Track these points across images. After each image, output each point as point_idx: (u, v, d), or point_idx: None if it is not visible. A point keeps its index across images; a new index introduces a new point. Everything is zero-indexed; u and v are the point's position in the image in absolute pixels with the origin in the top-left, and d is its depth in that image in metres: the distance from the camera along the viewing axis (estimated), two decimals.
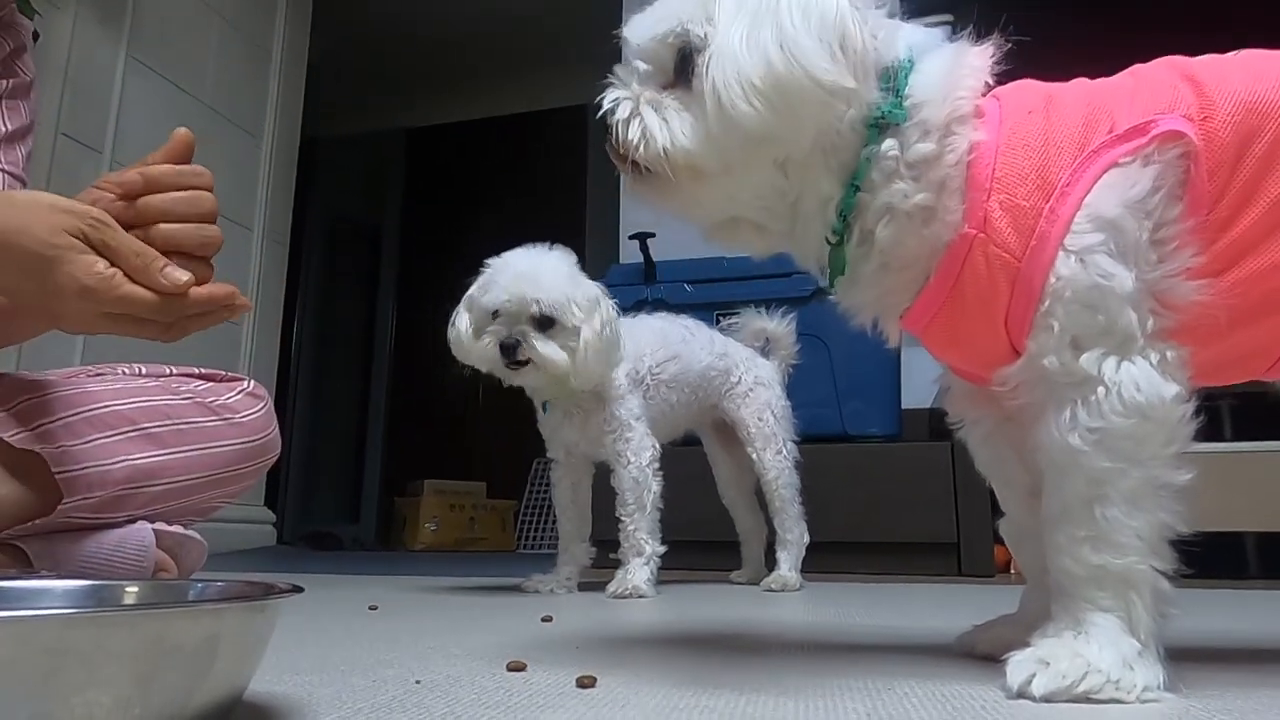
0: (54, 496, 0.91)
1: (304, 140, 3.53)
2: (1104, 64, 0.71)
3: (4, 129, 1.03)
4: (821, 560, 1.85)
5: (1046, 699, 0.57)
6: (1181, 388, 0.61)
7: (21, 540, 0.93)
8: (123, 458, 0.96)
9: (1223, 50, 0.69)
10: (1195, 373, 0.63)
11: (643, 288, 2.40)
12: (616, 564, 1.50)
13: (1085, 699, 0.57)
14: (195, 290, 0.74)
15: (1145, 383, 0.60)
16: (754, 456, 1.70)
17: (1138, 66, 0.70)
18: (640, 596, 1.42)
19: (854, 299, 0.71)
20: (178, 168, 0.79)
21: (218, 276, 0.78)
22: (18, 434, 0.89)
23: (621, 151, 0.69)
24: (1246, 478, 1.95)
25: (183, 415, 1.03)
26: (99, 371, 1.05)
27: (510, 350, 1.39)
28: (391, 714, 0.53)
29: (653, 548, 1.48)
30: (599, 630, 0.99)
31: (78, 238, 0.70)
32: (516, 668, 0.68)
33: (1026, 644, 0.62)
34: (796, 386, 1.84)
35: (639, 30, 0.70)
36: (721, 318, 2.11)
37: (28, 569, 0.93)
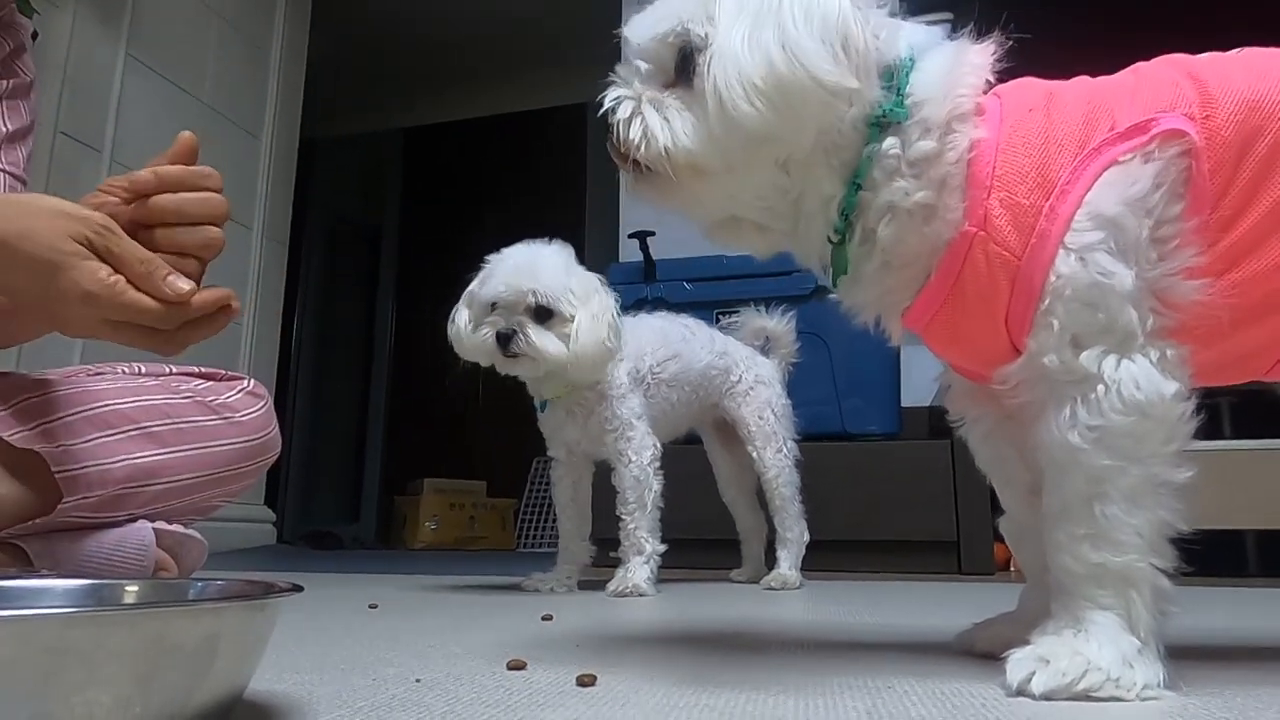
0: (54, 495, 0.91)
1: (303, 140, 3.53)
2: (1105, 62, 0.71)
3: (4, 129, 1.03)
4: (821, 558, 1.85)
5: (1046, 697, 0.57)
6: (1181, 385, 0.61)
7: (21, 539, 0.93)
8: (123, 457, 0.96)
9: (1225, 48, 0.69)
10: (1196, 373, 0.62)
11: (642, 286, 2.40)
12: (616, 562, 1.50)
13: (1085, 697, 0.57)
14: (195, 297, 0.74)
15: (1145, 380, 0.60)
16: (754, 455, 1.70)
17: (1140, 64, 0.70)
18: (640, 595, 1.42)
19: (856, 298, 0.71)
20: (190, 168, 0.80)
21: (218, 277, 0.78)
22: (18, 433, 0.89)
23: (623, 151, 0.69)
24: (1246, 475, 1.95)
25: (183, 414, 1.03)
26: (99, 370, 1.05)
27: (506, 340, 1.39)
28: (392, 713, 0.53)
29: (653, 546, 1.48)
30: (599, 629, 1.00)
31: (82, 244, 0.70)
32: (517, 666, 0.68)
33: (1026, 642, 0.62)
34: (796, 385, 1.84)
35: (639, 30, 0.70)
36: (721, 316, 2.11)
37: (28, 568, 0.93)
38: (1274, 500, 1.96)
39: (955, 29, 0.69)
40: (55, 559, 0.94)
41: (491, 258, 1.46)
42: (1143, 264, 0.62)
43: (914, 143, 0.65)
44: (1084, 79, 0.70)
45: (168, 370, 1.09)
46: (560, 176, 4.75)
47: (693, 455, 1.84)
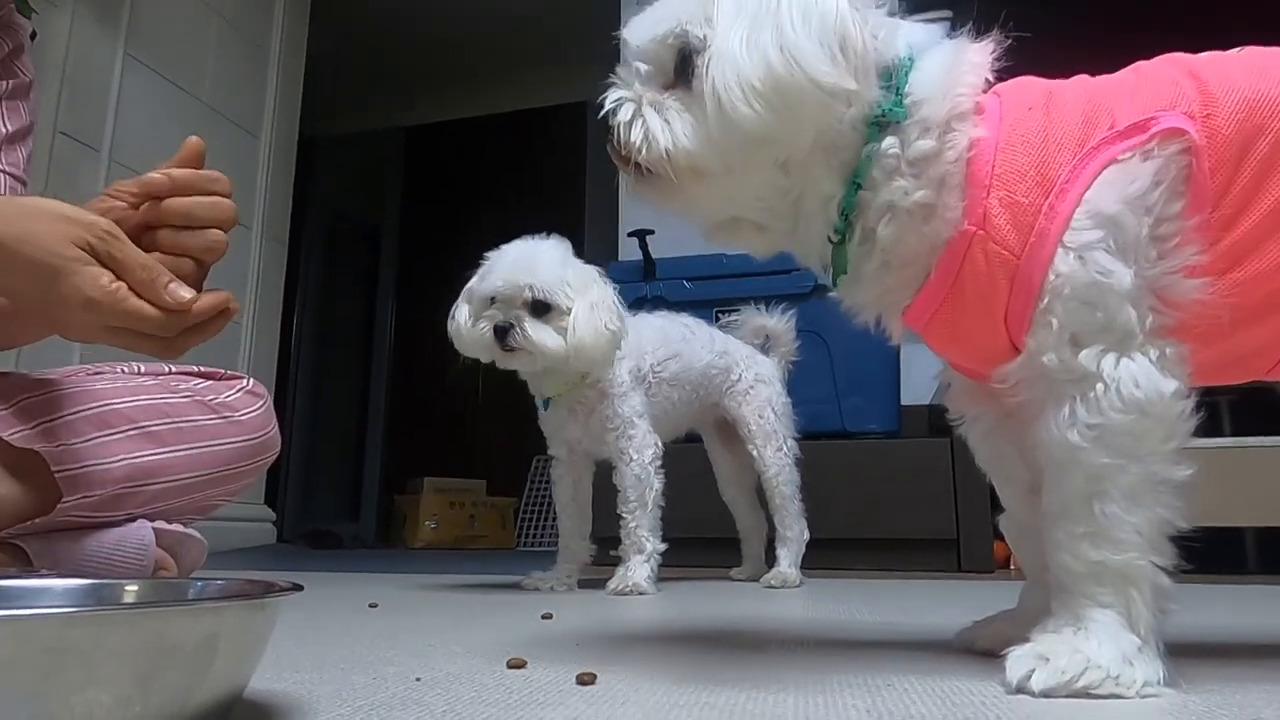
0: (54, 495, 0.91)
1: (303, 138, 3.53)
2: (1105, 61, 0.71)
3: (4, 130, 1.03)
4: (821, 557, 1.85)
5: (1046, 694, 0.57)
6: (1180, 383, 0.61)
7: (21, 539, 0.93)
8: (122, 456, 0.96)
9: (1225, 47, 0.69)
10: (1196, 372, 0.62)
11: (642, 284, 2.40)
12: (616, 561, 1.50)
13: (1085, 694, 0.57)
14: (195, 304, 0.74)
15: (1144, 379, 0.60)
16: (754, 454, 1.70)
17: (1140, 63, 0.70)
18: (640, 594, 1.42)
19: (856, 297, 0.71)
20: (202, 172, 0.80)
21: (217, 276, 0.78)
22: (17, 432, 0.89)
23: (624, 153, 0.69)
24: (1246, 473, 1.95)
25: (182, 413, 1.03)
26: (98, 370, 1.05)
27: (503, 333, 1.39)
28: (392, 711, 0.53)
29: (653, 545, 1.49)
30: (599, 627, 1.00)
31: (84, 249, 0.70)
32: (517, 665, 0.68)
33: (1026, 640, 0.62)
34: (796, 383, 1.84)
35: (638, 31, 0.70)
36: (721, 315, 2.11)
37: (27, 568, 0.93)
38: (1274, 498, 1.96)
39: (954, 27, 0.69)
40: (55, 558, 0.94)
41: (491, 254, 1.47)
42: (1142, 262, 0.62)
43: (913, 142, 0.65)
44: (1084, 78, 0.70)
45: (167, 369, 1.09)
46: (560, 175, 4.75)
47: (693, 454, 1.84)
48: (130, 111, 2.61)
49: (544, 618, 1.05)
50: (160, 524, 1.01)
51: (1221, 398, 2.01)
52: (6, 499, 0.90)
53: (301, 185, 3.56)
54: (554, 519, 1.63)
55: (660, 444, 1.55)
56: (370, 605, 1.18)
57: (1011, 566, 2.10)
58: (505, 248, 1.46)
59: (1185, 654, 0.64)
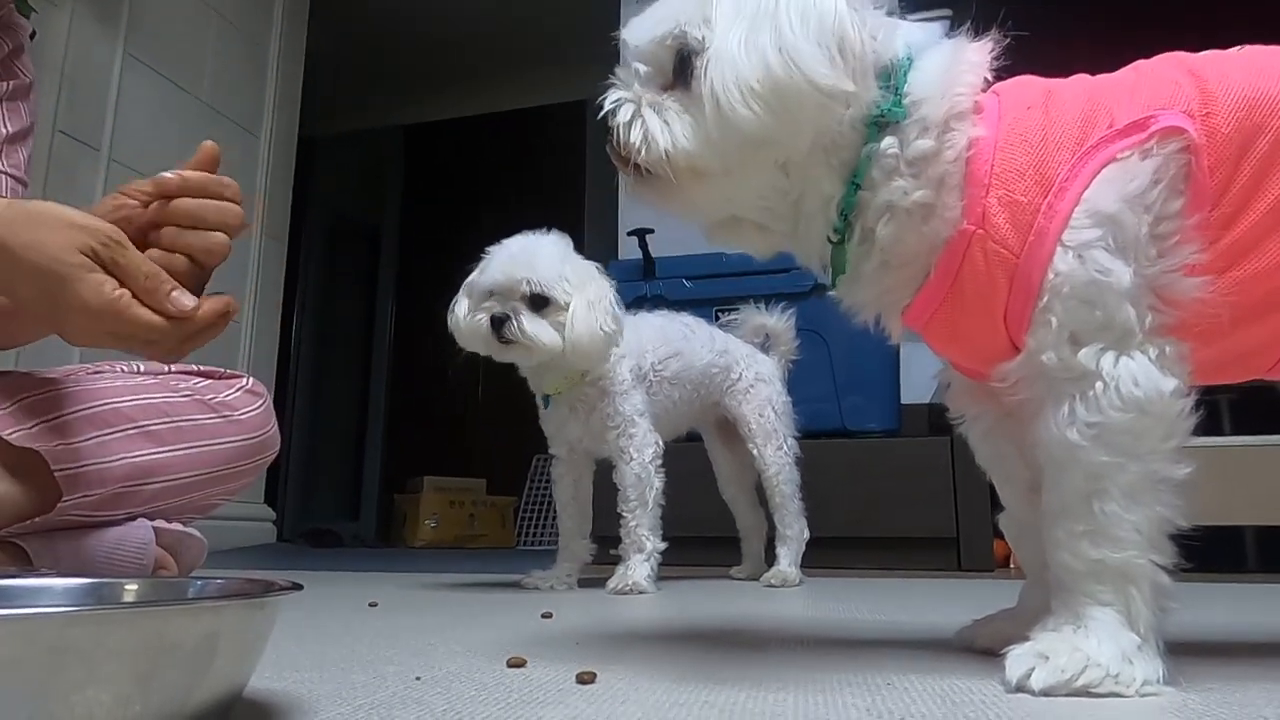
0: (53, 494, 0.91)
1: (303, 138, 3.53)
2: (1104, 60, 0.71)
3: (4, 131, 1.03)
4: (821, 555, 1.85)
5: (1046, 693, 0.57)
6: (1180, 382, 0.61)
7: (21, 538, 0.93)
8: (122, 455, 0.96)
9: (1225, 47, 0.69)
10: (1196, 371, 0.62)
11: (642, 283, 2.40)
12: (616, 560, 1.50)
13: (1084, 693, 0.57)
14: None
15: (1143, 377, 0.60)
16: (755, 452, 1.70)
17: (1140, 62, 0.70)
18: (640, 592, 1.42)
19: (856, 297, 0.71)
20: (212, 176, 0.80)
21: (216, 274, 0.78)
22: (17, 431, 0.89)
23: (623, 154, 0.69)
24: (1246, 471, 1.95)
25: (182, 413, 1.03)
26: (98, 369, 1.05)
27: (500, 324, 1.39)
28: (392, 710, 0.53)
29: (653, 544, 1.49)
30: (599, 626, 1.00)
31: (88, 255, 0.70)
32: (517, 663, 0.69)
33: (1026, 638, 0.62)
34: (796, 382, 1.84)
35: (637, 32, 0.70)
36: (721, 313, 2.11)
37: (27, 567, 0.93)
38: (1273, 496, 1.96)
39: (953, 27, 0.69)
40: (55, 558, 0.94)
41: (491, 249, 1.47)
42: (1141, 261, 0.62)
43: (912, 142, 0.65)
44: (1083, 77, 0.70)
45: (166, 369, 1.09)
46: (560, 174, 4.74)
47: (693, 453, 1.84)
48: (130, 111, 2.61)
49: (544, 616, 1.05)
50: (160, 523, 1.02)
51: (1221, 396, 2.01)
52: (6, 498, 0.90)
53: (301, 185, 3.56)
54: (554, 518, 1.63)
55: (661, 443, 1.55)
56: (370, 604, 1.18)
57: (1011, 565, 2.10)
58: (506, 242, 1.47)
59: (1185, 652, 0.64)
